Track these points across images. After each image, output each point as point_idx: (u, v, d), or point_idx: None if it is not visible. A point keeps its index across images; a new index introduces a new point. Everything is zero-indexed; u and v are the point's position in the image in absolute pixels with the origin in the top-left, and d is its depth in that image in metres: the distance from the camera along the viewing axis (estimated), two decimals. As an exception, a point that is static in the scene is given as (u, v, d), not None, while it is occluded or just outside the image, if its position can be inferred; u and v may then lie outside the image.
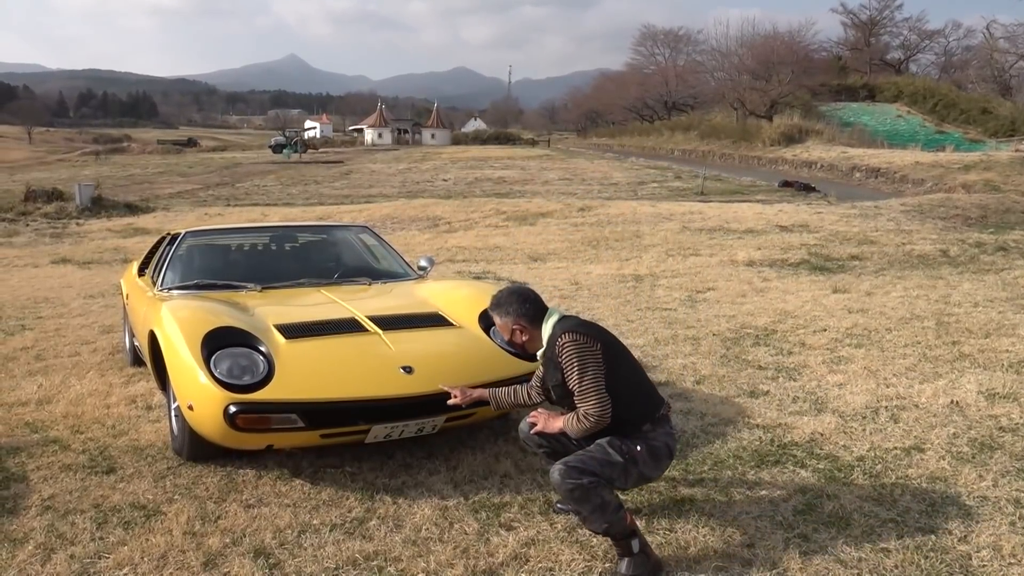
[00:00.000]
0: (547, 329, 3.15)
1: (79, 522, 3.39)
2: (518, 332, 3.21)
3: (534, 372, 4.09)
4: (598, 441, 3.00)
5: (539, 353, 3.23)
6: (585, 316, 7.44)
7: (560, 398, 3.13)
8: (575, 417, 3.02)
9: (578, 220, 16.33)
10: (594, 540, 3.19)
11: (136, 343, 5.49)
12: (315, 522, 3.40)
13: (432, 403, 3.77)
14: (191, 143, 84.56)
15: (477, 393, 3.50)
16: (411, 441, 4.06)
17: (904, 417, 4.56)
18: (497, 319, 3.24)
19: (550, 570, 3.00)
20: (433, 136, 79.83)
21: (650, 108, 64.74)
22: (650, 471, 3.06)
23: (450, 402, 3.48)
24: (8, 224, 19.97)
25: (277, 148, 59.64)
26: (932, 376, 5.36)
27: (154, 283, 5.23)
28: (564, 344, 2.99)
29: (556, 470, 2.88)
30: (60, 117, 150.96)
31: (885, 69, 57.86)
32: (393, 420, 3.73)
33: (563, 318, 3.16)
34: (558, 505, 3.47)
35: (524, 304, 3.19)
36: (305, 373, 3.77)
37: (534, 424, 3.26)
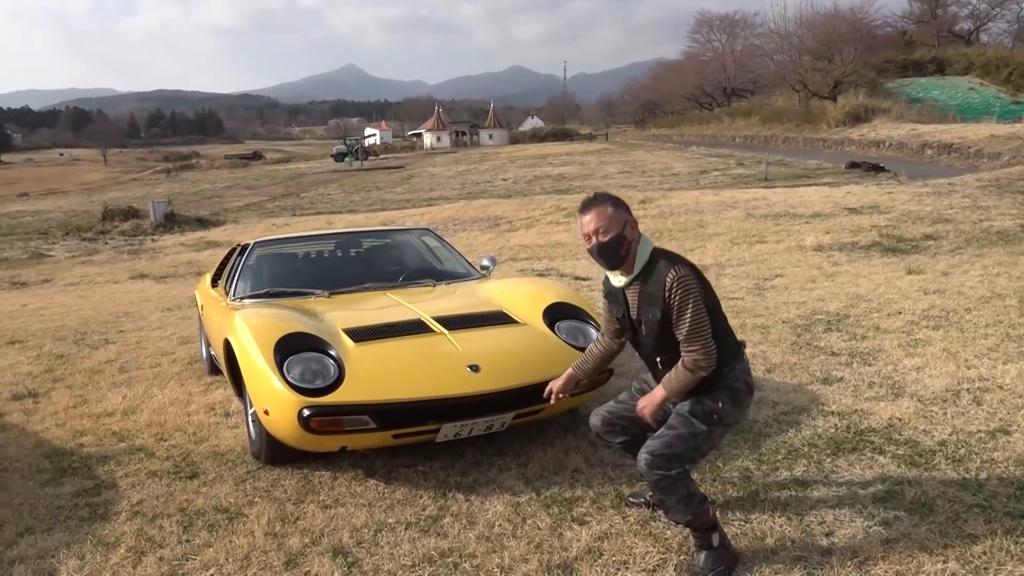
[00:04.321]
0: (643, 254, 2.94)
1: (166, 526, 3.52)
2: (631, 227, 2.92)
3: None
4: (679, 413, 2.90)
5: (619, 279, 3.00)
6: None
7: (651, 336, 2.93)
8: (680, 370, 2.85)
9: (640, 212, 16.20)
10: (668, 532, 3.17)
11: (212, 352, 5.66)
12: (390, 521, 3.45)
13: (500, 401, 3.81)
14: (256, 156, 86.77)
15: (565, 377, 3.38)
16: (481, 439, 4.10)
17: (987, 399, 4.41)
18: (610, 208, 2.91)
19: (624, 563, 2.99)
20: (491, 136, 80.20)
21: (709, 95, 63.83)
22: (736, 417, 2.99)
23: (553, 399, 3.39)
24: (88, 243, 20.82)
25: (339, 157, 60.75)
26: (1016, 356, 5.16)
27: (227, 293, 5.38)
28: (678, 280, 2.81)
29: (643, 459, 2.81)
30: (132, 138, 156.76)
31: (954, 41, 55.73)
32: (462, 418, 3.77)
33: (656, 247, 2.97)
34: (630, 498, 3.45)
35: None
36: (374, 375, 3.83)
37: (626, 419, 3.16)
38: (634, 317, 2.99)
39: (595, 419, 3.27)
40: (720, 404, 2.88)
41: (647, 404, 2.96)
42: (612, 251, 2.91)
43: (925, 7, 58.76)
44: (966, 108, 37.84)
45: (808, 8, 48.19)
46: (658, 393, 2.94)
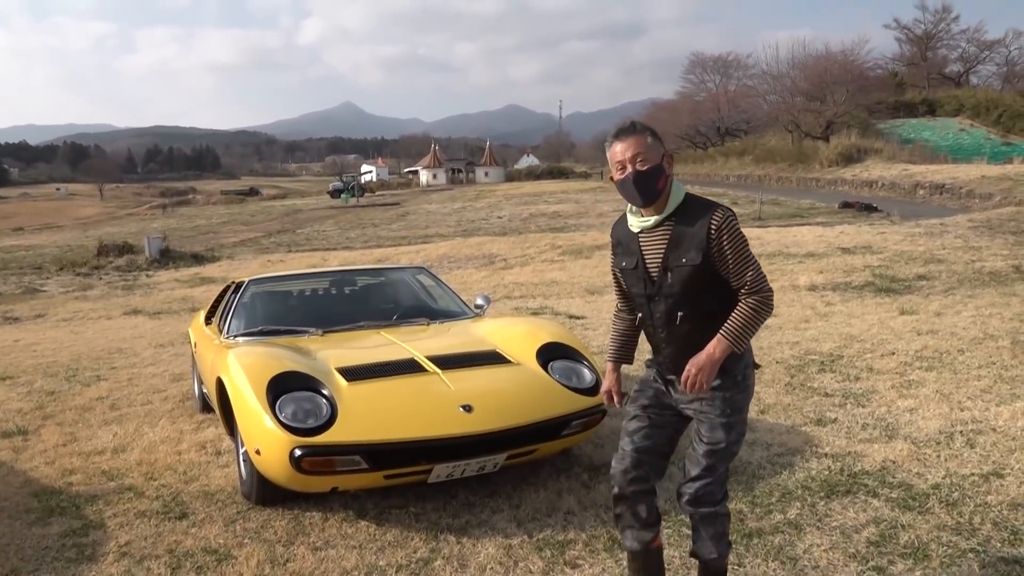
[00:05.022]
0: (677, 194, 2.69)
1: (154, 567, 3.47)
2: (668, 162, 2.68)
3: (593, 405, 4.10)
4: (713, 447, 2.64)
5: (644, 220, 2.70)
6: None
7: (679, 283, 2.63)
8: (747, 311, 2.57)
9: (634, 251, 16.26)
10: (661, 576, 3.13)
11: (204, 390, 5.64)
12: (381, 563, 3.42)
13: (493, 441, 3.80)
14: (253, 192, 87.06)
15: (611, 373, 3.02)
16: (474, 480, 4.07)
17: (981, 441, 4.40)
18: (650, 137, 2.68)
19: (617, 608, 2.96)
20: (487, 174, 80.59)
21: (703, 135, 64.42)
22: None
23: (619, 403, 2.98)
24: (83, 278, 20.78)
25: (335, 193, 60.90)
26: (1009, 398, 5.17)
27: (220, 331, 5.38)
28: (726, 220, 2.58)
29: (688, 498, 2.67)
30: (129, 173, 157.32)
31: (944, 83, 56.53)
32: (455, 459, 3.75)
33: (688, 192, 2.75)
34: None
35: None
36: (367, 415, 3.82)
37: (653, 448, 2.75)
38: (654, 266, 2.68)
39: (621, 464, 2.78)
40: (743, 411, 2.70)
41: (704, 365, 2.56)
42: (650, 182, 2.64)
43: (915, 50, 59.73)
44: (957, 149, 38.29)
45: (800, 50, 48.65)
46: (717, 347, 2.58)
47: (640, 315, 2.81)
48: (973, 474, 3.96)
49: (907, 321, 7.94)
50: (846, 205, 24.42)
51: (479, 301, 5.87)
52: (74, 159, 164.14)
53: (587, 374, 4.35)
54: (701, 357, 2.56)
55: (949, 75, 58.16)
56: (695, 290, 2.61)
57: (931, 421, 4.80)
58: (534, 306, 11.15)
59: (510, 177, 78.89)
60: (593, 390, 4.20)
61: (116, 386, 7.33)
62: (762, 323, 2.60)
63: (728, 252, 2.57)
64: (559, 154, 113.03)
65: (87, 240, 31.69)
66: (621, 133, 2.69)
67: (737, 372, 2.66)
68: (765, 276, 2.62)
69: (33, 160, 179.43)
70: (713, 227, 2.56)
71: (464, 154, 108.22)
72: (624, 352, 3.03)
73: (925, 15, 58.05)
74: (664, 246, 2.65)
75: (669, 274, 2.64)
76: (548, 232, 23.46)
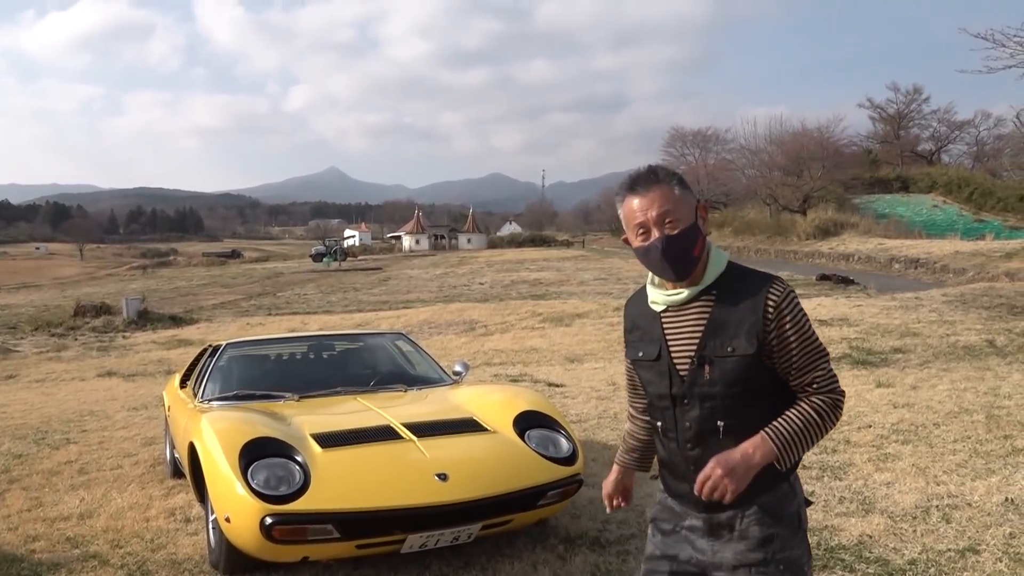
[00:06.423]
0: (717, 260, 2.04)
1: (115, 640, 3.37)
2: (703, 216, 2.04)
3: (570, 475, 4.07)
4: None
5: (673, 295, 2.03)
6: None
7: (723, 381, 1.95)
8: (819, 409, 1.94)
9: (614, 319, 16.34)
10: (636, 653, 3.08)
11: (176, 455, 5.56)
12: (350, 637, 3.33)
13: (468, 511, 3.75)
14: (235, 255, 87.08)
15: (612, 484, 2.34)
16: (448, 550, 4.01)
17: (957, 516, 4.40)
18: (677, 188, 2.00)
19: None
20: (469, 240, 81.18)
21: (683, 206, 65.46)
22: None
23: (611, 508, 2.35)
24: (58, 339, 20.52)
25: (317, 257, 61.01)
26: (985, 472, 5.18)
27: (195, 395, 5.33)
28: (787, 297, 1.94)
29: None
30: (111, 234, 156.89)
31: (917, 160, 58.19)
32: (429, 529, 3.70)
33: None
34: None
35: None
36: (341, 482, 3.78)
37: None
38: (684, 357, 2.00)
39: None
40: (806, 571, 2.01)
41: (737, 468, 1.86)
42: (685, 249, 1.97)
43: (888, 128, 61.55)
44: (931, 224, 39.17)
45: (777, 126, 50.02)
46: (759, 449, 1.90)
47: (660, 425, 2.08)
48: (950, 550, 3.94)
49: (883, 394, 7.99)
50: (823, 277, 24.76)
51: (457, 368, 5.86)
52: (56, 219, 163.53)
53: (564, 443, 4.33)
54: (735, 456, 1.88)
55: (921, 153, 59.92)
56: (744, 391, 1.95)
57: (907, 495, 4.79)
58: (514, 373, 11.11)
59: (492, 244, 79.49)
60: (570, 459, 4.18)
61: (86, 449, 7.19)
62: (825, 434, 1.98)
63: (792, 340, 1.93)
64: (541, 222, 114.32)
65: (64, 300, 31.41)
66: (639, 184, 2.03)
67: (791, 515, 2.00)
68: (832, 370, 1.99)
69: (14, 219, 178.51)
70: (771, 305, 1.93)
71: (447, 220, 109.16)
72: (638, 457, 2.34)
73: (897, 95, 60.17)
74: (701, 330, 1.98)
75: (707, 368, 1.95)
76: (529, 299, 23.54)
